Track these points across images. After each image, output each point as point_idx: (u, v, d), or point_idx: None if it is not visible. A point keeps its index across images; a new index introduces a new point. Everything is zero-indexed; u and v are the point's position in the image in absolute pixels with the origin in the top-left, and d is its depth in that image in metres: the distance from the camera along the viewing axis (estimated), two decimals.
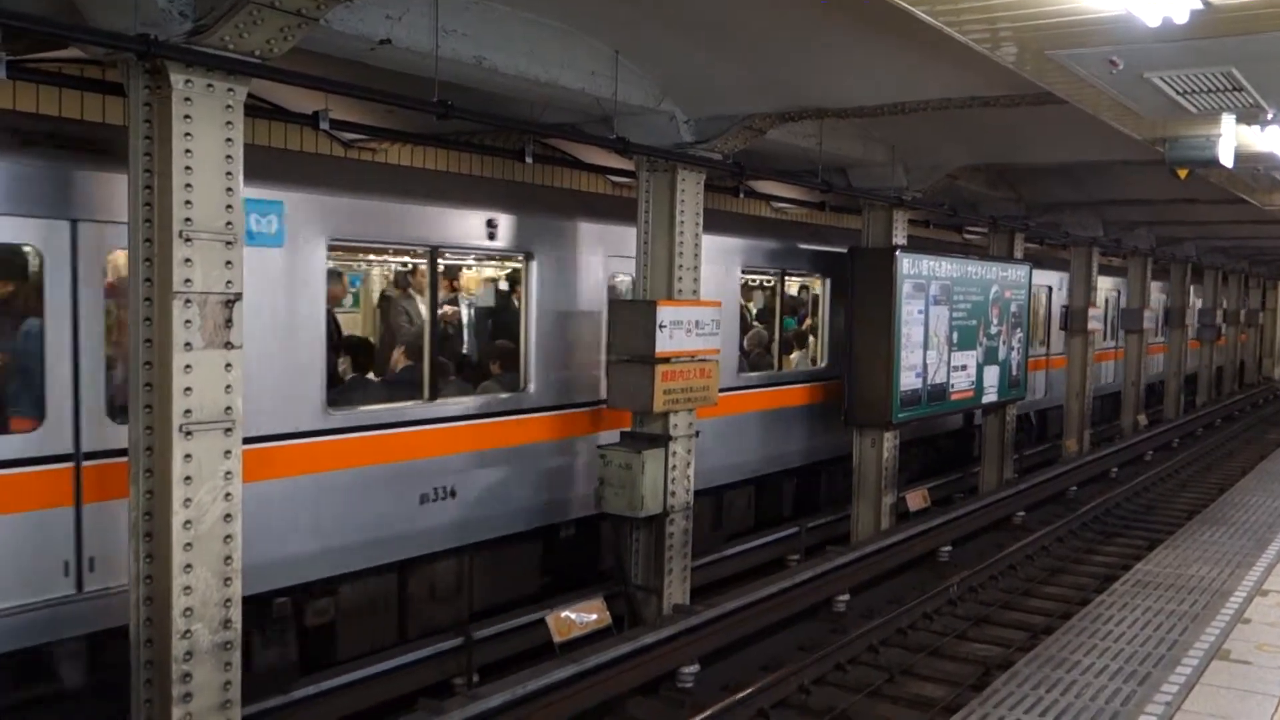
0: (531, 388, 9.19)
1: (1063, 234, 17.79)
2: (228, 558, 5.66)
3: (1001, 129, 10.53)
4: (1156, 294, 24.00)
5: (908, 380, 12.48)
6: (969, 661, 9.22)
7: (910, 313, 12.44)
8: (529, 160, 9.07)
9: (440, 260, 8.68)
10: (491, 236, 8.85)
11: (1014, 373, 15.30)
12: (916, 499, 13.38)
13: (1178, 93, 6.55)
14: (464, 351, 9.91)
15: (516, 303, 9.49)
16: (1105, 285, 21.42)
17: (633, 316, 8.93)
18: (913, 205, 12.61)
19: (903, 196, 12.19)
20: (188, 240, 5.40)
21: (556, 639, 8.03)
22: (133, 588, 5.58)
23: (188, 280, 5.41)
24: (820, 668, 8.76)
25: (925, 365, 12.85)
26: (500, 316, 10.07)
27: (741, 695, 7.95)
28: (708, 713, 7.68)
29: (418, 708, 6.82)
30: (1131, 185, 14.78)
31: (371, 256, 9.55)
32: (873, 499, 12.35)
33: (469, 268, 10.00)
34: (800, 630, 9.79)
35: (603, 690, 7.69)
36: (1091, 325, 18.61)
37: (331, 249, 7.69)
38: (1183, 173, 8.51)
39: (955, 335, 13.50)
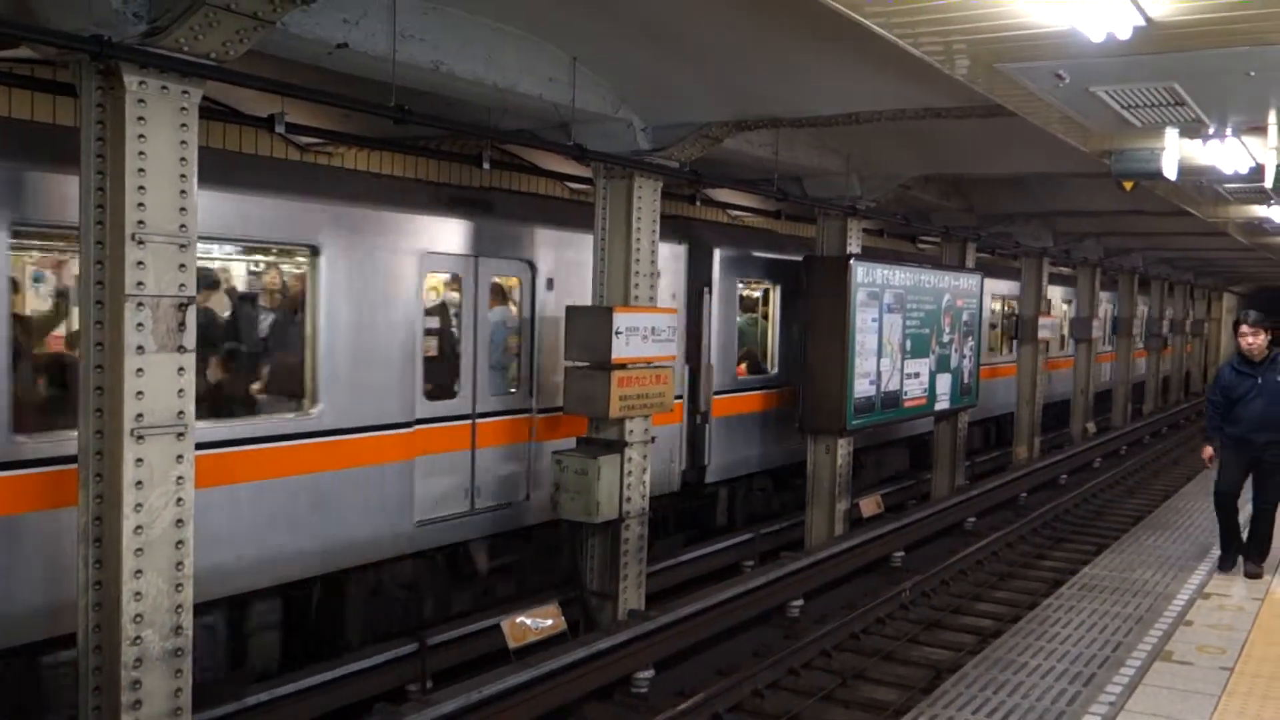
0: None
1: (1014, 244, 18.07)
2: (179, 563, 5.60)
3: (954, 140, 10.70)
4: (1105, 304, 24.43)
5: (861, 387, 12.62)
6: (920, 665, 9.34)
7: (864, 320, 12.59)
8: (486, 166, 9.07)
9: None
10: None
11: (965, 380, 15.52)
12: (870, 505, 13.52)
13: (1122, 106, 6.71)
14: None
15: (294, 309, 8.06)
16: (1058, 295, 21.79)
17: (589, 322, 8.97)
18: (867, 214, 12.76)
19: (857, 205, 12.34)
20: (140, 243, 5.35)
21: (512, 644, 8.03)
22: (80, 594, 5.50)
23: (140, 283, 5.36)
24: (774, 672, 8.83)
25: (879, 373, 13.01)
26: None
27: (696, 700, 8.00)
28: (662, 717, 7.72)
29: (373, 713, 6.79)
30: (1080, 197, 15.07)
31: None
32: (826, 505, 12.46)
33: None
34: (754, 635, 9.86)
35: (558, 695, 7.71)
36: (1042, 334, 18.92)
37: (16, 235, 6.32)
38: (1128, 185, 8.72)
39: (908, 343, 13.67)
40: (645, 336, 9.11)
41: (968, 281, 15.43)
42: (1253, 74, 5.81)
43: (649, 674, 8.48)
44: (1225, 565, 9.16)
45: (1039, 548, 14.03)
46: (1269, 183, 8.85)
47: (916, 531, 13.38)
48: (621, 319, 8.86)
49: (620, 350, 8.84)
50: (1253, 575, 8.93)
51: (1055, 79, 5.98)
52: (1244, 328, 8.90)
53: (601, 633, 8.57)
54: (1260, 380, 8.72)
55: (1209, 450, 9.47)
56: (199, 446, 5.83)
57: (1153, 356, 29.13)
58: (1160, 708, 6.04)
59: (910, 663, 9.44)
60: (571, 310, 9.34)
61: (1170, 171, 7.67)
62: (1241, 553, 9.14)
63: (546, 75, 7.91)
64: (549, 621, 8.38)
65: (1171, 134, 7.43)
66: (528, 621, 8.26)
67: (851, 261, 12.27)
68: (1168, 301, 30.12)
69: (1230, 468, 9.02)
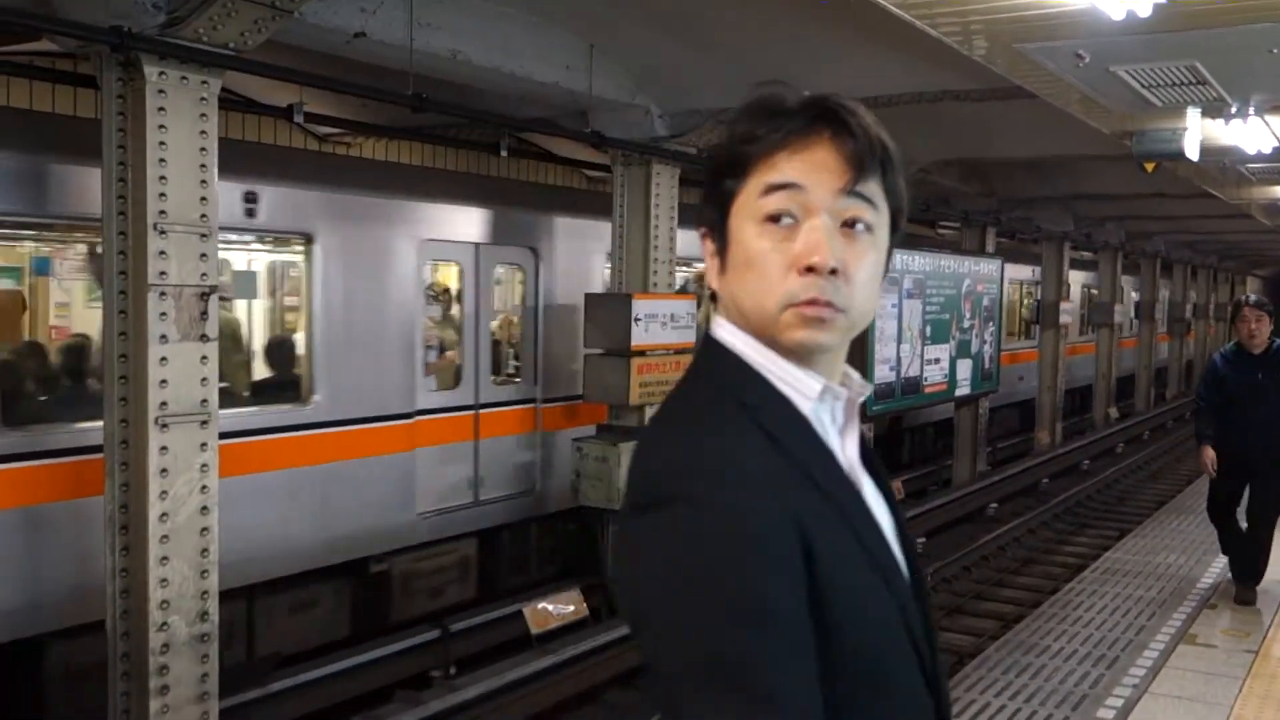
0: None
1: (1034, 229, 17.95)
2: (204, 550, 5.66)
3: (973, 123, 10.63)
4: (1128, 289, 24.27)
5: (882, 373, 12.58)
6: (941, 650, 9.30)
7: (883, 307, 12.54)
8: (504, 154, 9.09)
9: None
10: (251, 214, 7.31)
11: (986, 365, 15.45)
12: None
13: (1143, 86, 6.65)
14: None
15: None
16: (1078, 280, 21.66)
17: (608, 310, 8.98)
18: None
19: None
20: (162, 233, 5.40)
21: (534, 630, 8.06)
22: (109, 581, 5.56)
23: (162, 273, 5.41)
24: None
25: (899, 359, 12.97)
26: None
27: None
28: None
29: (395, 699, 6.85)
30: (1101, 180, 14.94)
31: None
32: None
33: None
34: None
35: (580, 681, 7.75)
36: (1064, 319, 18.82)
37: None
38: (1150, 166, 8.64)
39: (928, 329, 13.62)
40: (664, 323, 9.11)
41: (988, 266, 15.35)
42: (1275, 51, 5.75)
43: None
44: (1248, 596, 7.67)
45: (1061, 533, 13.97)
46: None
47: (939, 517, 13.34)
48: (641, 306, 8.86)
49: (640, 337, 8.84)
50: (1244, 601, 7.51)
51: (1075, 59, 5.93)
52: (1245, 311, 7.38)
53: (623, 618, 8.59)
54: (1261, 377, 7.23)
55: (1209, 453, 7.47)
56: None
57: (1176, 341, 28.91)
58: (1184, 690, 6.02)
59: None
60: (590, 298, 9.36)
61: (1192, 152, 7.61)
62: (1231, 571, 7.83)
63: (563, 63, 7.92)
64: (571, 607, 8.42)
65: (1193, 113, 7.37)
66: (550, 608, 8.30)
67: None
68: (1191, 286, 29.87)
69: (1223, 484, 7.51)
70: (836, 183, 1.35)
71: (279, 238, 7.83)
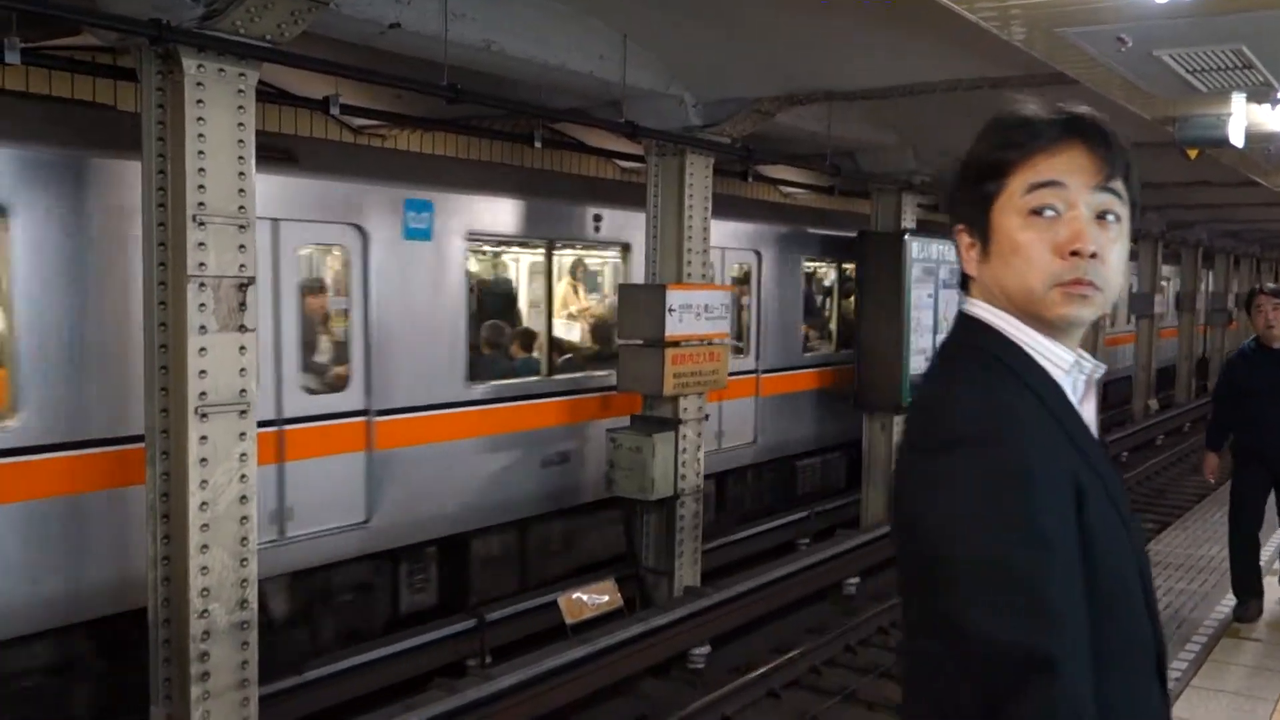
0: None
1: None
2: (244, 539, 5.71)
3: None
4: (1168, 278, 23.93)
5: (917, 364, 12.48)
6: None
7: (919, 297, 12.44)
8: (538, 145, 9.08)
9: None
10: (597, 229, 9.63)
11: None
12: None
13: (1187, 71, 6.52)
14: None
15: None
16: None
17: (642, 300, 8.96)
18: (922, 189, 12.59)
19: (911, 180, 12.18)
20: (201, 224, 5.45)
21: (568, 620, 8.09)
22: (150, 569, 5.64)
23: (202, 264, 5.46)
24: (831, 649, 8.80)
25: (935, 349, 12.84)
26: None
27: (752, 676, 8.01)
28: (719, 693, 7.73)
29: (432, 687, 6.89)
30: (1142, 168, 14.54)
31: None
32: (883, 482, 12.37)
33: None
34: (811, 612, 9.84)
35: (614, 671, 7.76)
36: None
37: None
38: (1193, 153, 8.47)
39: None
40: (698, 314, 9.08)
41: None
42: None
43: (705, 650, 8.50)
44: (1249, 613, 7.07)
45: None
46: None
47: None
48: (675, 296, 8.84)
49: (674, 328, 8.82)
50: (1245, 619, 6.96)
51: (1117, 43, 5.82)
52: (1261, 299, 6.93)
53: (657, 609, 8.60)
54: None
55: (1212, 462, 7.38)
56: None
57: (1217, 331, 28.47)
58: (1227, 683, 5.94)
59: None
60: (624, 288, 9.35)
61: (1237, 138, 7.46)
62: (1235, 585, 7.22)
63: (597, 52, 7.90)
64: (605, 598, 8.43)
65: (1238, 99, 7.22)
66: (584, 598, 8.32)
67: (906, 237, 12.13)
68: (1233, 275, 29.39)
69: (1249, 490, 7.04)
70: (1092, 180, 1.63)
71: (610, 245, 10.18)
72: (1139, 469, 16.85)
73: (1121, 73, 6.69)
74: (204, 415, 5.51)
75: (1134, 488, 15.88)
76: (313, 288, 7.77)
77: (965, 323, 1.70)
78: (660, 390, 8.89)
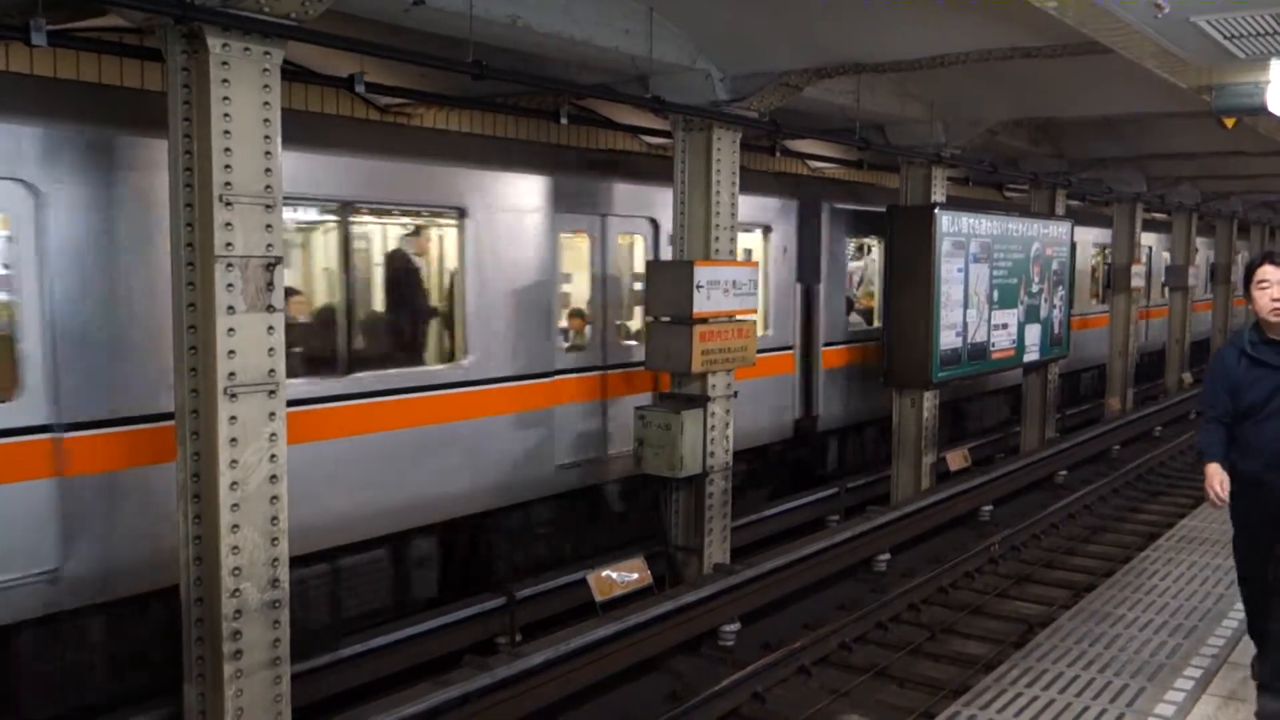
0: None
1: (1105, 190, 17.50)
2: (274, 518, 5.73)
3: (1043, 82, 10.34)
4: (1203, 250, 23.59)
5: (948, 339, 12.37)
6: (1011, 619, 9.20)
7: (949, 271, 12.31)
8: (564, 121, 9.03)
9: None
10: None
11: (1056, 331, 15.13)
12: (957, 459, 13.32)
13: (1225, 36, 6.39)
14: None
15: None
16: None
17: (670, 277, 8.91)
18: (951, 162, 12.45)
19: (941, 153, 12.03)
20: (228, 204, 5.44)
21: (598, 598, 8.10)
22: (182, 548, 5.67)
23: (229, 244, 5.45)
24: (861, 626, 8.78)
25: (965, 324, 12.73)
26: None
27: (782, 653, 7.99)
28: (749, 670, 7.73)
29: (463, 664, 6.91)
30: (1176, 138, 14.48)
31: None
32: (912, 459, 12.30)
33: None
34: (840, 590, 9.81)
35: (644, 648, 7.76)
36: (1135, 283, 18.34)
37: None
38: (1229, 122, 8.33)
39: (996, 293, 13.35)
40: (726, 290, 9.01)
41: (1058, 229, 14.99)
42: None
43: (735, 627, 8.49)
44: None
45: (1133, 501, 13.70)
46: None
47: (1005, 485, 13.14)
48: (702, 273, 8.78)
49: (701, 304, 8.76)
50: (1270, 714, 5.02)
51: (1153, 9, 5.70)
52: (1265, 268, 5.06)
53: (687, 586, 8.59)
54: None
55: (1216, 475, 5.10)
56: None
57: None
58: None
59: (1000, 616, 9.31)
60: (652, 265, 9.30)
61: (1275, 106, 7.32)
62: (1261, 667, 5.33)
63: (623, 27, 7.82)
64: (635, 575, 8.43)
65: (1276, 65, 7.08)
66: (614, 575, 8.32)
67: (936, 211, 11.99)
68: (1270, 246, 28.95)
69: (1258, 532, 5.18)
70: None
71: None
72: (1171, 444, 16.66)
73: (1157, 39, 6.56)
74: (233, 395, 5.52)
75: (1166, 462, 15.73)
76: None
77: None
78: (688, 368, 8.84)
